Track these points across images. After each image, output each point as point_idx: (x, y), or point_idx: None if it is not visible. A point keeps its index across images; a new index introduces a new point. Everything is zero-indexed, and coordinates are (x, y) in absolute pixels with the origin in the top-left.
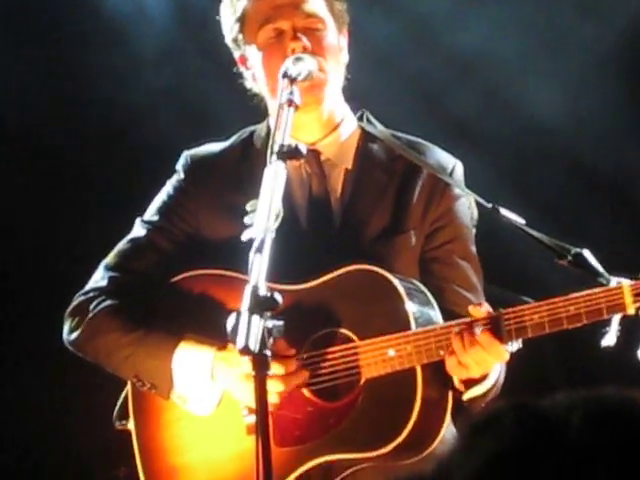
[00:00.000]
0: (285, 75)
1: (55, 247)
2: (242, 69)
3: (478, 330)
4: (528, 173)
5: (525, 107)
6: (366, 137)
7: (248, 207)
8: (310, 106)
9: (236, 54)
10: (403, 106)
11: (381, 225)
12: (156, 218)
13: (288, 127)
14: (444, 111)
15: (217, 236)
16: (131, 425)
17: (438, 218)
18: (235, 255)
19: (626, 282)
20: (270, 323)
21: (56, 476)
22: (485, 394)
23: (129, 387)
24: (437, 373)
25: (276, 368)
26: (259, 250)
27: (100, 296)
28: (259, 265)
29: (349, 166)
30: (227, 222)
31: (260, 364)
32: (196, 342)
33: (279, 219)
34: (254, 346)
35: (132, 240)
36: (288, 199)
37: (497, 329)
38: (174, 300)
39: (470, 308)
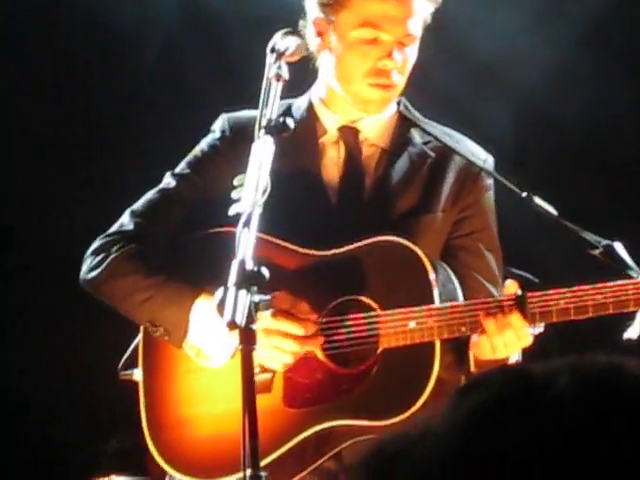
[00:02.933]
0: (273, 50)
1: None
2: (311, 25)
3: (505, 310)
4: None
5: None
6: (403, 121)
7: (235, 182)
8: (372, 112)
9: (315, 15)
10: None
11: (410, 204)
12: (187, 171)
13: (276, 102)
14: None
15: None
16: (137, 375)
17: (468, 206)
18: (263, 217)
19: None
20: (257, 297)
21: (43, 451)
22: None
23: (141, 336)
24: (454, 352)
25: (294, 328)
26: (246, 224)
27: (124, 239)
28: (246, 240)
29: (386, 147)
30: None
31: (247, 338)
32: None
33: (267, 193)
34: (241, 320)
35: (161, 190)
36: (319, 174)
37: (523, 310)
38: (198, 253)
39: (508, 282)
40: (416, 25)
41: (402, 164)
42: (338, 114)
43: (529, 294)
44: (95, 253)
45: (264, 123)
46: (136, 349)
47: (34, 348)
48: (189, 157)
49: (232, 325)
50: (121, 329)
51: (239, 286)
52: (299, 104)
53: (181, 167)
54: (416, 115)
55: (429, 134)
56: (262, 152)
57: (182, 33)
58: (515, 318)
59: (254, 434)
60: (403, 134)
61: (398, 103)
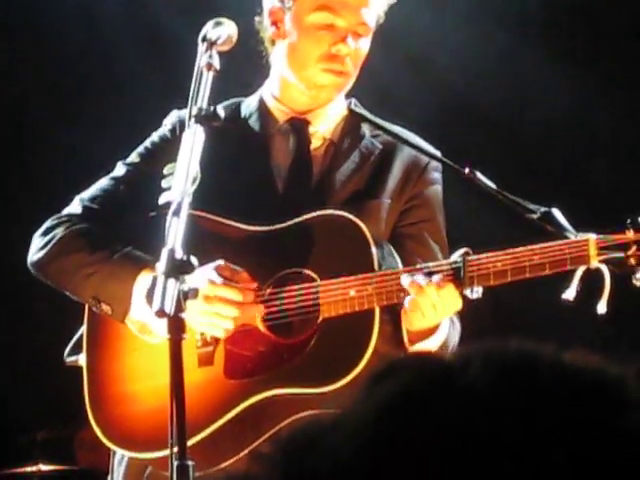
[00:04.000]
0: (204, 39)
1: None
2: (267, 17)
3: (442, 273)
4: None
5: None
6: (354, 117)
7: (166, 170)
8: (323, 101)
9: (271, 3)
10: None
11: (355, 191)
12: (137, 160)
13: (207, 91)
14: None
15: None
16: (82, 361)
17: (415, 196)
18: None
19: (592, 235)
20: (186, 286)
21: None
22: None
23: (85, 322)
24: (394, 325)
25: (233, 294)
26: (176, 213)
27: (71, 220)
28: (176, 228)
29: (335, 139)
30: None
31: (176, 327)
32: None
33: (196, 182)
34: (169, 309)
35: (111, 178)
36: (269, 163)
37: (458, 274)
38: (145, 233)
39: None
40: (371, 16)
41: (350, 156)
42: (289, 106)
43: (468, 257)
44: (43, 234)
45: (194, 112)
46: (81, 336)
47: None
48: (140, 148)
49: (161, 313)
50: (65, 316)
51: (168, 275)
52: (249, 101)
53: (131, 157)
54: (365, 112)
55: (379, 127)
56: (192, 141)
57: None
58: (440, 278)
59: (182, 425)
60: (353, 129)
61: (348, 102)
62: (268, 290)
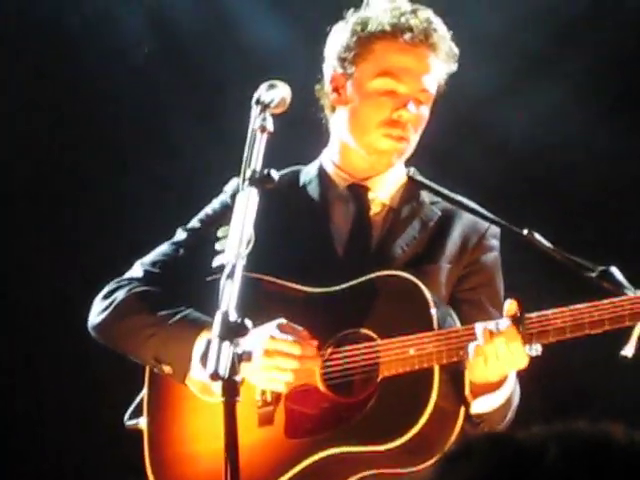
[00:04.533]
0: (258, 101)
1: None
2: (328, 83)
3: (502, 326)
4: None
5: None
6: (412, 183)
7: (220, 233)
8: (383, 167)
9: (333, 69)
10: None
11: (414, 256)
12: (198, 225)
13: (260, 153)
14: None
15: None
16: (142, 424)
17: (473, 262)
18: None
19: None
20: (240, 349)
21: None
22: (493, 412)
23: (146, 385)
24: (454, 383)
25: (293, 348)
26: (230, 276)
27: (132, 283)
28: (230, 291)
29: (394, 205)
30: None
31: (230, 390)
32: None
33: (250, 245)
34: (224, 372)
35: (171, 243)
36: (329, 228)
37: (517, 324)
38: (205, 295)
39: (508, 301)
40: (432, 82)
41: (409, 222)
42: (349, 172)
43: (526, 315)
44: (104, 298)
45: (248, 175)
46: (142, 400)
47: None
48: (201, 214)
49: (215, 377)
50: (124, 380)
51: (223, 337)
52: (308, 169)
53: (192, 222)
54: (425, 180)
55: (438, 194)
56: (246, 204)
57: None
58: (508, 330)
59: None
60: (413, 196)
61: (408, 170)
62: (329, 350)
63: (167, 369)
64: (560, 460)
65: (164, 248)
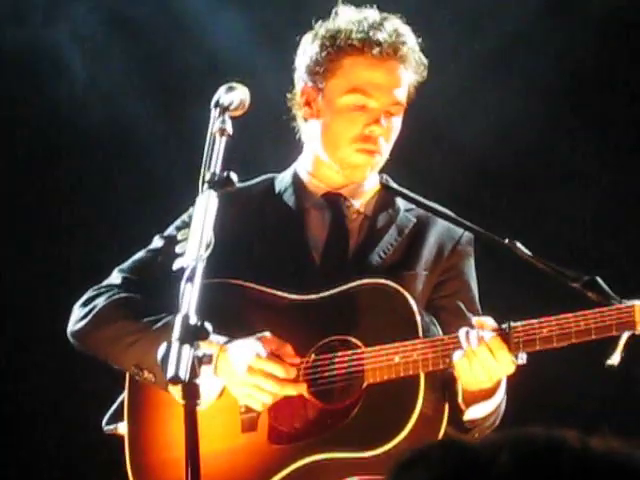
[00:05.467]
0: (217, 104)
1: None
2: (299, 96)
3: (487, 336)
4: None
5: None
6: (386, 190)
7: (179, 236)
8: (357, 180)
9: (304, 82)
10: None
11: (391, 264)
12: (174, 233)
13: (220, 156)
14: None
15: (229, 259)
16: (121, 429)
17: (449, 269)
18: (239, 271)
19: (638, 302)
20: (200, 352)
21: None
22: (485, 418)
23: (126, 390)
24: (439, 388)
25: (276, 370)
26: (190, 279)
27: (111, 290)
28: (189, 294)
29: (369, 213)
30: (237, 245)
31: (190, 393)
32: None
33: (210, 248)
34: (184, 375)
35: (149, 250)
36: (305, 236)
37: (505, 339)
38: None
39: (475, 319)
40: (402, 94)
41: (385, 230)
42: (324, 182)
43: (513, 324)
44: (83, 305)
45: (208, 177)
46: (121, 404)
47: None
48: (177, 221)
49: (175, 380)
50: (101, 384)
51: (183, 341)
52: (283, 176)
53: (169, 230)
54: (398, 187)
55: (413, 201)
56: (205, 206)
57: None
58: (492, 340)
59: None
60: (387, 203)
61: (380, 177)
62: (312, 357)
63: (149, 376)
64: (511, 465)
65: (142, 255)
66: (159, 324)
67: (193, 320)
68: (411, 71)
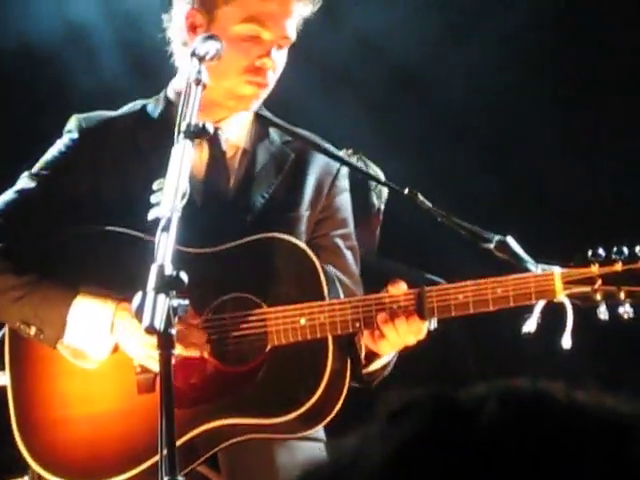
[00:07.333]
0: (193, 54)
1: None
2: (183, 18)
3: (401, 305)
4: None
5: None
6: (261, 121)
7: (155, 186)
8: (240, 111)
9: (190, 5)
10: None
11: (274, 203)
12: (46, 172)
13: (195, 106)
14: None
15: (111, 199)
16: (4, 379)
17: (328, 206)
18: (130, 218)
19: (557, 269)
20: (175, 302)
21: None
22: (384, 367)
23: (6, 339)
24: (344, 345)
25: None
26: (165, 229)
27: None
28: (165, 244)
29: (246, 146)
30: (123, 187)
31: (165, 342)
32: (96, 295)
33: (185, 198)
34: (159, 325)
35: (19, 191)
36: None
37: (419, 305)
38: (66, 253)
39: (390, 287)
40: (293, 27)
41: (263, 164)
42: (199, 112)
43: (427, 288)
44: None
45: (184, 127)
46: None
47: None
48: (46, 157)
49: (151, 330)
50: None
51: (158, 290)
52: (155, 102)
53: (39, 167)
54: (271, 115)
55: (288, 132)
56: (181, 156)
57: None
58: (407, 312)
59: (172, 443)
60: (262, 134)
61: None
62: (210, 316)
63: (36, 332)
64: (497, 415)
65: (13, 198)
66: (48, 281)
67: (168, 270)
68: (304, 3)
